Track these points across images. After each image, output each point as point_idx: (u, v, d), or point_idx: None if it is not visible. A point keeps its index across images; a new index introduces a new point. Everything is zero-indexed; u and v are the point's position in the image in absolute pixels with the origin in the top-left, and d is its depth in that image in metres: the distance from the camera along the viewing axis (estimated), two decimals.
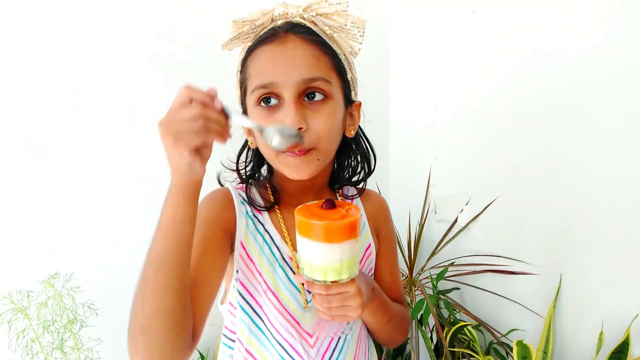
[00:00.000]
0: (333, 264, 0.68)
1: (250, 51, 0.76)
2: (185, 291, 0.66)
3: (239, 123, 0.64)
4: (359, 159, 0.91)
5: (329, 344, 0.84)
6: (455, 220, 1.72)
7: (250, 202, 0.85)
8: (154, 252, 0.65)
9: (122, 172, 1.35)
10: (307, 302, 0.82)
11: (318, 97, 0.74)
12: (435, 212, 1.84)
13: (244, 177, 0.88)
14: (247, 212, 0.84)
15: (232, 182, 0.88)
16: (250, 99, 0.75)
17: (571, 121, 1.34)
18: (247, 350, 0.83)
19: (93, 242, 1.31)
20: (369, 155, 0.91)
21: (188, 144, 0.57)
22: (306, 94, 0.74)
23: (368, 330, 0.93)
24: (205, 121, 0.58)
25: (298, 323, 0.82)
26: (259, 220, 0.85)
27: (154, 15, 1.35)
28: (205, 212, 0.78)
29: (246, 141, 0.89)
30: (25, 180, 1.21)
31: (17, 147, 1.19)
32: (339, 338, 0.85)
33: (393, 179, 2.01)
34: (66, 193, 1.27)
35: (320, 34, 0.76)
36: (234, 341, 0.86)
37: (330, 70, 0.76)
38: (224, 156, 0.88)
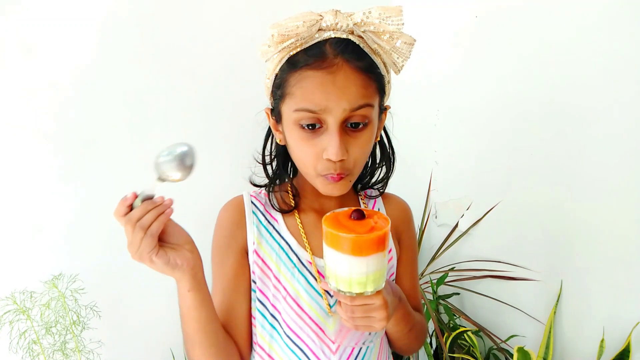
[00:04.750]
0: (358, 276, 0.67)
1: (294, 66, 0.72)
2: (222, 342, 0.78)
3: (151, 193, 0.68)
4: (383, 160, 0.92)
5: (352, 351, 0.84)
6: (456, 225, 1.72)
7: (270, 206, 0.87)
8: (185, 331, 0.76)
9: (129, 173, 1.34)
10: (331, 307, 0.82)
11: (361, 125, 0.74)
12: (436, 217, 1.84)
13: (271, 176, 0.88)
14: (259, 221, 0.85)
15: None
16: (291, 115, 0.74)
17: (573, 127, 1.35)
18: (269, 355, 0.84)
19: (98, 243, 1.31)
20: (391, 155, 0.92)
21: (147, 251, 0.65)
22: (350, 122, 0.73)
23: (387, 337, 0.93)
24: (139, 224, 0.64)
25: (320, 328, 0.82)
26: (274, 228, 0.85)
27: (155, 17, 1.35)
28: (218, 236, 0.86)
29: (266, 138, 0.88)
30: (30, 180, 1.21)
31: (21, 147, 1.19)
32: (362, 345, 0.85)
33: (394, 183, 1.99)
34: (72, 193, 1.27)
35: (368, 52, 0.73)
36: (253, 350, 0.87)
37: (375, 94, 0.75)
38: (254, 151, 0.89)
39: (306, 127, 0.73)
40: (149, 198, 0.67)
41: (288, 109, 0.74)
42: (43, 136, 1.21)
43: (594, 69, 1.28)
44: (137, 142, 1.36)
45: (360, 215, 0.69)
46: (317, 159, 0.74)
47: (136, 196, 0.66)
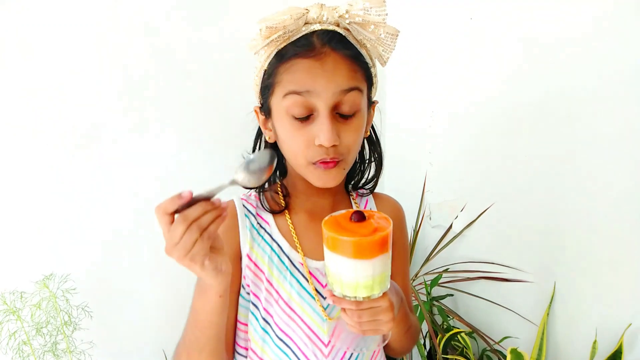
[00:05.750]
0: (365, 280, 0.65)
1: (282, 58, 0.73)
2: (224, 350, 0.77)
3: (214, 194, 0.62)
4: (372, 158, 0.92)
5: (344, 354, 0.83)
6: (450, 227, 1.72)
7: (261, 208, 0.86)
8: (194, 337, 0.73)
9: (122, 173, 1.34)
10: (325, 309, 0.82)
11: (350, 112, 0.74)
12: (430, 218, 1.85)
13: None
14: (252, 224, 0.84)
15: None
16: (281, 104, 0.74)
17: (567, 129, 1.35)
18: (261, 359, 0.83)
19: (90, 243, 1.30)
20: (380, 152, 0.91)
21: (201, 255, 0.60)
22: (340, 112, 0.73)
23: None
24: (196, 224, 0.58)
25: (312, 331, 0.81)
26: (265, 231, 0.85)
27: (152, 17, 1.35)
28: None
29: (256, 138, 0.88)
30: (24, 180, 1.19)
31: (16, 147, 1.18)
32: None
33: (388, 184, 2.01)
34: (65, 193, 1.25)
35: (354, 43, 0.75)
36: (245, 357, 0.86)
37: (363, 80, 0.76)
38: (244, 152, 0.88)
39: (298, 117, 0.73)
40: (206, 199, 0.61)
41: (277, 99, 0.74)
42: (39, 136, 1.20)
43: (588, 71, 1.29)
44: (133, 142, 1.35)
45: (361, 217, 0.67)
46: (307, 146, 0.73)
47: (192, 195, 0.59)
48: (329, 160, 0.74)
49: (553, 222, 1.42)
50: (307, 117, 0.73)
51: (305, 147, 0.74)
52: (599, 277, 1.33)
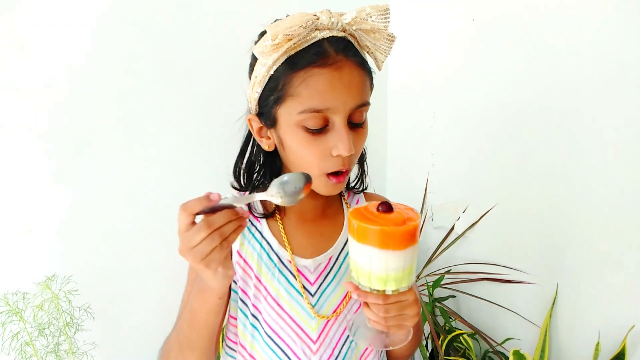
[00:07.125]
0: (395, 272, 0.64)
1: (295, 66, 0.71)
2: (213, 352, 0.79)
3: (241, 203, 0.63)
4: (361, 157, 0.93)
5: (332, 350, 0.84)
6: (452, 228, 1.72)
7: (250, 209, 0.87)
8: (188, 336, 0.75)
9: (123, 173, 1.34)
10: (313, 306, 0.83)
11: (360, 122, 0.76)
12: (432, 219, 1.84)
13: (245, 185, 0.87)
14: None
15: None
16: (293, 117, 0.72)
17: (569, 130, 1.35)
18: (250, 355, 0.84)
19: (92, 244, 1.30)
20: (364, 151, 0.92)
21: (217, 262, 0.62)
22: (351, 122, 0.74)
23: None
24: (218, 232, 0.59)
25: (301, 328, 0.83)
26: (256, 228, 0.86)
27: (150, 17, 1.35)
28: None
29: (242, 150, 0.87)
30: (24, 181, 1.20)
31: (14, 147, 1.18)
32: (343, 345, 0.85)
33: (390, 185, 2.01)
34: (66, 194, 1.25)
35: (359, 50, 0.76)
36: (235, 350, 0.87)
37: (370, 89, 0.78)
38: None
39: (311, 129, 0.72)
40: (230, 207, 0.61)
41: (289, 111, 0.73)
42: (37, 136, 1.20)
43: (589, 72, 1.28)
44: (132, 143, 1.35)
45: (388, 207, 0.65)
46: (323, 157, 0.74)
47: (220, 199, 0.60)
48: (344, 171, 0.76)
49: (556, 224, 1.42)
50: (321, 129, 0.73)
51: (320, 159, 0.74)
52: (601, 278, 1.33)
